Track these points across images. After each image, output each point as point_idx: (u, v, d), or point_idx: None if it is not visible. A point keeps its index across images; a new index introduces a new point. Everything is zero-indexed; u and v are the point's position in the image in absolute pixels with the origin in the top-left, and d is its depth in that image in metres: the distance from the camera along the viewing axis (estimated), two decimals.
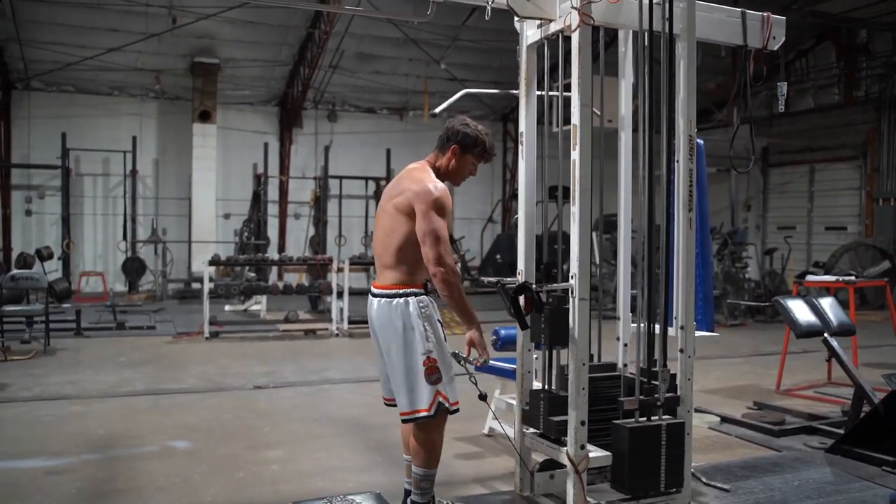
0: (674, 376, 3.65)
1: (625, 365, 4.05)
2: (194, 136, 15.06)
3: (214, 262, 10.35)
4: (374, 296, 3.40)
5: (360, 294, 9.55)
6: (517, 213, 4.21)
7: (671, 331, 3.72)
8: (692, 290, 3.69)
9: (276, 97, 16.73)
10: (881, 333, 9.48)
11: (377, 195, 17.04)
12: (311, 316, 11.44)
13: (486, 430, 5.24)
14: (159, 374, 7.38)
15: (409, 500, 3.50)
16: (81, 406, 6.07)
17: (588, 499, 3.45)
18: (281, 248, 16.45)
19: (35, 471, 4.45)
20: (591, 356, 3.72)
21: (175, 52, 14.58)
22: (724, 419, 5.63)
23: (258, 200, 15.27)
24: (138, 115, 15.70)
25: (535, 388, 3.93)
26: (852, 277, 7.65)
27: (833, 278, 7.75)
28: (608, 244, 11.80)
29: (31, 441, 5.08)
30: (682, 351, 3.67)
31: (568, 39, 3.55)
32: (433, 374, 3.26)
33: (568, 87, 3.60)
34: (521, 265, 3.97)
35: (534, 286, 3.63)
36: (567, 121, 3.62)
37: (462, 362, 3.41)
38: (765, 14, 4.00)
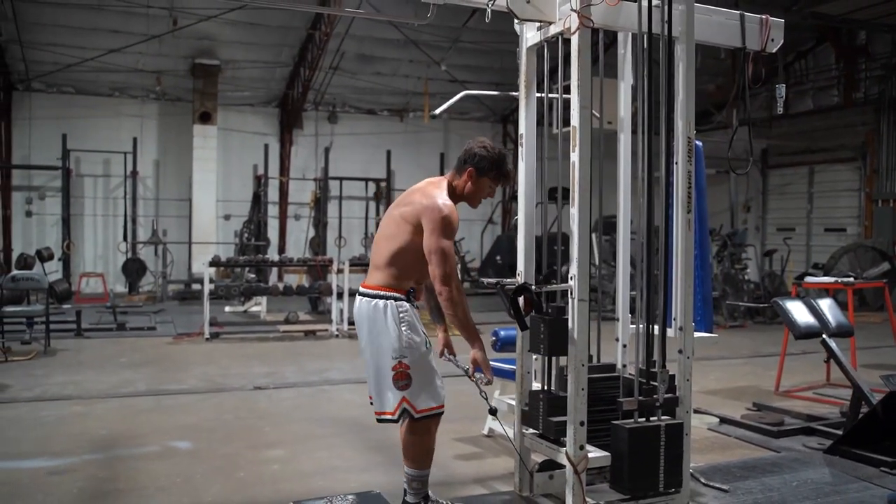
0: (673, 377, 3.67)
1: (624, 366, 4.08)
2: (195, 137, 15.09)
3: (215, 263, 10.36)
4: (360, 294, 3.48)
5: None
6: (517, 215, 4.22)
7: (670, 332, 3.74)
8: (691, 291, 3.71)
9: (276, 98, 16.76)
10: (880, 335, 9.49)
11: (377, 196, 17.08)
12: (311, 317, 11.46)
13: (485, 431, 5.25)
14: (160, 375, 7.40)
15: (403, 500, 3.53)
16: (83, 406, 6.09)
17: (587, 499, 3.47)
18: (281, 250, 16.47)
19: (37, 471, 4.47)
20: (591, 357, 3.74)
21: (176, 53, 14.60)
22: (724, 420, 5.64)
23: (258, 202, 15.29)
24: (139, 117, 15.72)
25: (534, 388, 3.94)
26: (851, 279, 7.66)
27: (832, 280, 7.76)
28: (607, 245, 11.81)
29: (32, 441, 5.10)
30: (681, 352, 3.69)
31: (567, 42, 3.57)
32: (402, 379, 3.30)
33: (567, 89, 3.62)
34: (520, 266, 3.99)
35: (533, 287, 3.65)
36: (567, 122, 3.64)
37: (473, 381, 3.47)
38: (763, 17, 4.02)
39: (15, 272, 9.46)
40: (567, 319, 3.54)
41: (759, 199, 17.72)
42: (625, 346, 4.12)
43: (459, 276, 3.47)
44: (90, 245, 15.65)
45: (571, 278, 3.49)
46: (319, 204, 16.21)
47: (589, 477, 3.62)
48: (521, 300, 3.63)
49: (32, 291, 9.35)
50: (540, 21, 3.75)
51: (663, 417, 3.61)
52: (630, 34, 4.00)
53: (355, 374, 7.48)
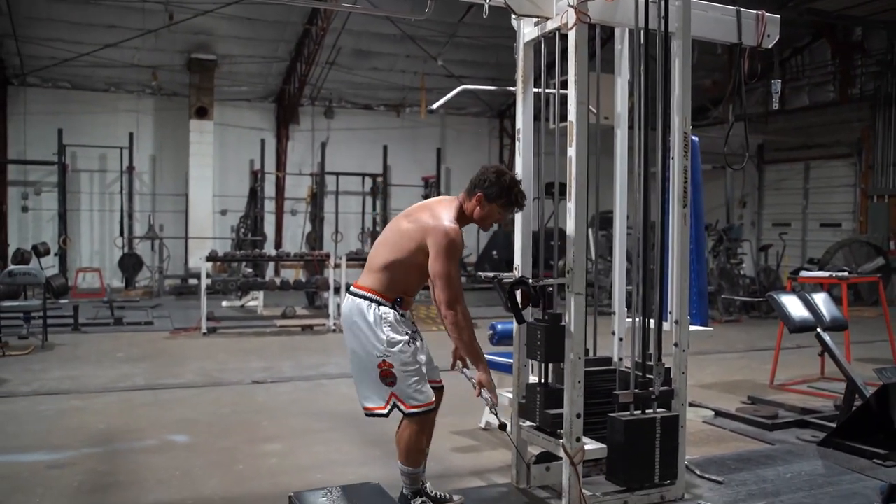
0: (668, 370, 3.70)
1: (620, 359, 4.11)
2: (191, 132, 15.05)
3: (211, 258, 10.37)
4: (349, 293, 3.51)
5: None
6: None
7: (666, 325, 3.78)
8: (686, 285, 3.74)
9: (272, 94, 16.73)
10: (874, 329, 9.55)
11: (374, 192, 17.08)
12: (308, 312, 11.47)
13: (482, 424, 5.28)
14: (158, 370, 7.42)
15: (401, 492, 3.57)
16: (81, 401, 6.10)
17: (583, 490, 3.50)
18: (277, 245, 16.44)
19: (36, 465, 4.49)
20: (587, 350, 3.77)
21: (172, 48, 14.57)
22: (719, 413, 5.68)
23: (255, 197, 15.28)
24: (135, 112, 15.67)
25: (531, 381, 3.98)
26: (845, 273, 7.71)
27: (826, 274, 7.81)
28: (604, 240, 11.84)
29: (31, 435, 5.12)
30: (676, 345, 3.72)
31: (565, 37, 3.59)
32: (387, 377, 3.34)
33: (564, 85, 3.64)
34: (517, 261, 4.02)
35: (530, 281, 3.68)
36: (563, 118, 3.66)
37: (481, 398, 3.48)
38: (759, 12, 4.05)
39: (12, 267, 9.45)
40: (563, 327, 3.57)
41: (755, 194, 17.77)
42: (621, 339, 4.15)
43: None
44: (87, 240, 15.62)
45: (568, 273, 3.52)
46: (316, 199, 16.21)
47: (585, 469, 3.65)
48: (518, 294, 3.65)
49: (29, 286, 9.34)
50: (537, 16, 3.77)
51: (659, 410, 3.64)
52: (627, 30, 4.02)
53: None
